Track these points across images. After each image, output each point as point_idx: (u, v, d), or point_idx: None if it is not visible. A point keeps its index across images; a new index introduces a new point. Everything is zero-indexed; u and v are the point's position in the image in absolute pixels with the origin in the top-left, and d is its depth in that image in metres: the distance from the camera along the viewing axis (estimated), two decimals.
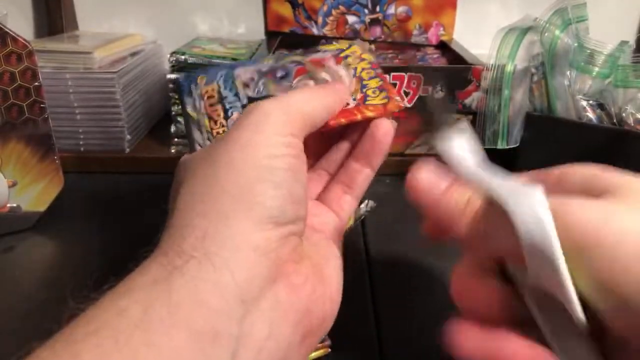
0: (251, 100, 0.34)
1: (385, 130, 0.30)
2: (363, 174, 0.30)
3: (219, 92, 0.34)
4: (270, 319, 0.21)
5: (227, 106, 0.34)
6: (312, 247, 0.26)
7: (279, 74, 0.35)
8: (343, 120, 0.29)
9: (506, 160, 0.43)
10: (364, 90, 0.32)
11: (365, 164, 0.30)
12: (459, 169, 0.25)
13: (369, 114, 0.30)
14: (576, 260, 0.20)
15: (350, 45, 0.37)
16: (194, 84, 0.34)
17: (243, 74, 0.35)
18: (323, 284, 0.24)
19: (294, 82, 0.34)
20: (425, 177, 0.25)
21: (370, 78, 0.33)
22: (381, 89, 0.32)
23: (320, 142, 0.31)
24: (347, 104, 0.31)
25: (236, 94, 0.34)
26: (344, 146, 0.31)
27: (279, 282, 0.22)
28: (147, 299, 0.19)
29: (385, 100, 0.31)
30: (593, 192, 0.22)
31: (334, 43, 0.37)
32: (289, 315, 0.22)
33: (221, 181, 0.22)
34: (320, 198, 0.30)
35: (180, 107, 0.59)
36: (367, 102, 0.31)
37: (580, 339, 0.21)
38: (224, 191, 0.22)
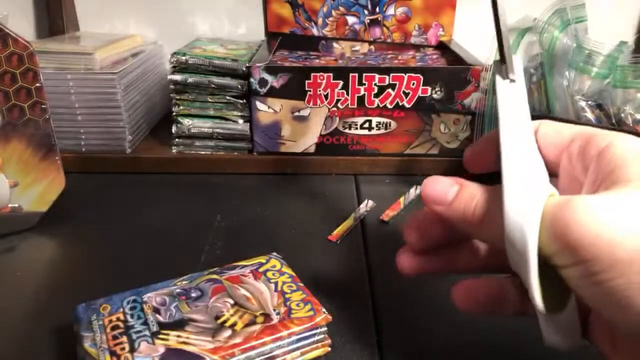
0: (163, 326, 0.31)
1: None
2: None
3: (125, 321, 0.31)
4: None
5: (134, 337, 0.30)
6: None
7: (194, 294, 0.34)
8: (268, 340, 0.30)
9: None
10: (287, 303, 0.32)
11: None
12: (502, 120, 0.25)
13: (295, 328, 0.30)
14: (572, 265, 0.21)
15: (268, 259, 0.37)
16: (95, 314, 0.32)
17: (153, 298, 0.33)
18: None
19: (211, 301, 0.33)
20: (434, 187, 0.27)
21: (292, 291, 0.34)
22: (305, 301, 0.33)
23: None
24: (271, 319, 0.31)
25: (145, 322, 0.31)
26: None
27: None
28: None
29: (311, 313, 0.32)
30: (613, 180, 0.22)
31: (251, 258, 0.37)
32: None
33: None
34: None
35: (180, 107, 0.60)
36: (292, 316, 0.31)
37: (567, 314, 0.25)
38: None
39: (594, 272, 0.20)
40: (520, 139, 0.25)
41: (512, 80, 0.26)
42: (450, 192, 0.26)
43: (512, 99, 0.26)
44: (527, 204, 0.22)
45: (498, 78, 0.27)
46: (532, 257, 0.22)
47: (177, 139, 0.61)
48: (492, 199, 0.24)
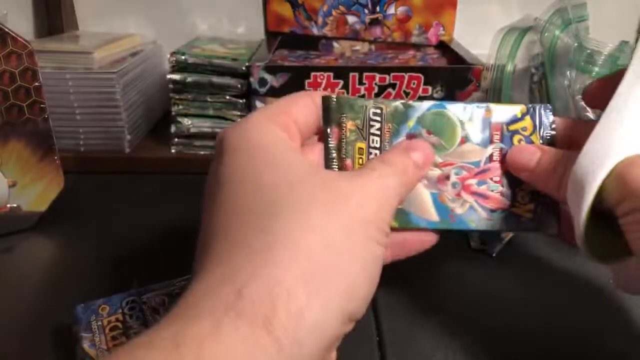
0: None
1: (427, 243, 0.29)
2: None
3: (124, 322, 0.31)
4: None
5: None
6: None
7: None
8: None
9: None
10: None
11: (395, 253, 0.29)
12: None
13: None
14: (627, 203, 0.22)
15: None
16: (94, 315, 0.32)
17: (152, 298, 0.33)
18: None
19: None
20: (521, 154, 0.28)
21: None
22: None
23: None
24: None
25: (144, 322, 0.31)
26: None
27: None
28: None
29: None
30: None
31: None
32: None
33: (305, 248, 0.20)
34: None
35: (180, 107, 0.59)
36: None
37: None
38: (309, 263, 0.20)
39: None
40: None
41: None
42: (533, 158, 0.27)
43: None
44: (608, 145, 0.23)
45: None
46: (589, 195, 0.23)
47: (176, 139, 0.61)
48: (570, 162, 0.25)
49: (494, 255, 0.44)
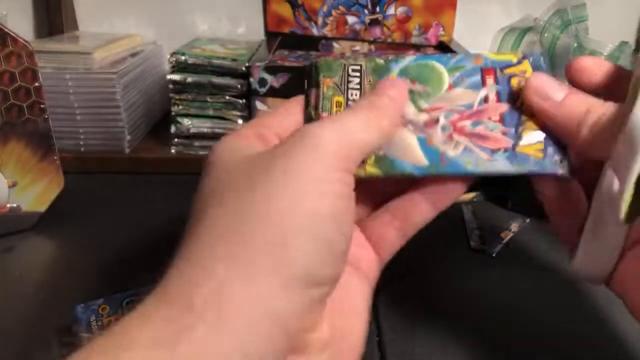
0: None
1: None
2: (422, 212, 0.26)
3: None
4: None
5: None
6: (338, 299, 0.22)
7: None
8: None
9: None
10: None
11: (428, 201, 0.26)
12: None
13: None
14: None
15: None
16: (94, 315, 0.31)
17: None
18: (342, 352, 0.22)
19: None
20: (547, 82, 0.25)
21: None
22: None
23: None
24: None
25: None
26: None
27: (295, 355, 0.20)
28: None
29: None
30: None
31: None
32: None
33: (252, 220, 0.19)
34: (361, 224, 0.26)
35: (180, 107, 0.59)
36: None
37: (614, 231, 0.24)
38: (253, 235, 0.19)
39: None
40: None
41: None
42: (559, 91, 0.24)
43: None
44: None
45: None
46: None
47: (176, 139, 0.61)
48: (609, 107, 0.23)
49: (494, 255, 0.44)
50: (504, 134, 0.25)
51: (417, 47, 0.71)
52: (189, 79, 0.58)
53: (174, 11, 0.78)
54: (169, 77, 0.59)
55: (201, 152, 0.61)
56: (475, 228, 0.48)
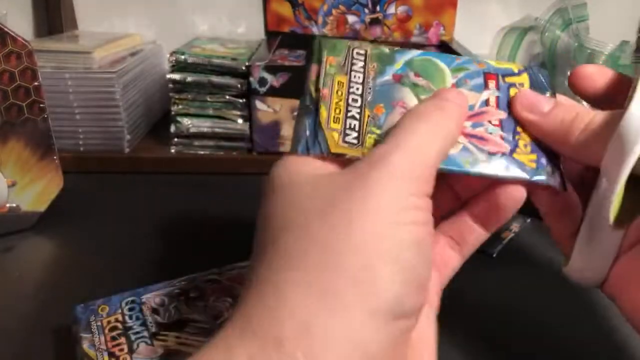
0: (162, 327, 0.30)
1: (517, 199, 0.25)
2: (475, 234, 0.26)
3: (124, 322, 0.31)
4: None
5: (133, 338, 0.30)
6: (415, 330, 0.21)
7: (193, 294, 0.33)
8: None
9: None
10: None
11: (481, 223, 0.26)
12: None
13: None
14: None
15: None
16: (93, 315, 0.31)
17: (152, 298, 0.33)
18: None
19: (210, 301, 0.32)
20: (534, 96, 0.25)
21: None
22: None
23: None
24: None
25: (144, 323, 0.31)
26: (458, 195, 0.26)
27: None
28: None
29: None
30: None
31: None
32: None
33: (336, 249, 0.18)
34: None
35: (179, 107, 0.59)
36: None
37: (609, 234, 0.24)
38: (338, 265, 0.18)
39: None
40: None
41: None
42: (546, 103, 0.25)
43: None
44: None
45: None
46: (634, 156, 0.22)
47: (176, 139, 0.61)
48: (597, 114, 0.23)
49: (494, 255, 0.44)
50: (502, 139, 0.25)
51: (417, 47, 0.71)
52: (189, 79, 0.58)
53: (173, 11, 0.78)
54: (168, 76, 0.59)
55: (201, 152, 0.61)
56: None
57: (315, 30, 0.71)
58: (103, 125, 0.60)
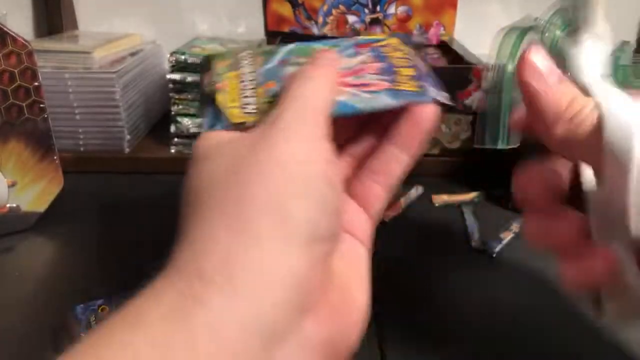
0: None
1: (428, 112, 0.25)
2: (399, 162, 0.26)
3: None
4: (296, 358, 0.19)
5: None
6: (341, 260, 0.23)
7: None
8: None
9: (506, 160, 0.43)
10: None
11: (402, 149, 0.26)
12: (578, 76, 0.24)
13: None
14: None
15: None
16: (93, 315, 0.32)
17: None
18: (350, 310, 0.22)
19: None
20: (542, 63, 0.24)
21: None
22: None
23: (344, 122, 0.26)
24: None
25: None
26: (374, 127, 0.27)
27: (307, 315, 0.20)
28: (164, 339, 0.17)
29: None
30: None
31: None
32: (316, 352, 0.20)
33: (248, 189, 0.20)
34: (346, 190, 0.26)
35: (179, 107, 0.59)
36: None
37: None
38: (252, 202, 0.19)
39: None
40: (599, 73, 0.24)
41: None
42: (554, 75, 0.24)
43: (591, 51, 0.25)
44: (631, 108, 0.21)
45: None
46: (636, 155, 0.20)
47: (176, 139, 0.61)
48: (586, 108, 0.23)
49: (494, 255, 0.44)
50: (384, 80, 0.27)
51: (417, 47, 0.71)
52: (189, 79, 0.58)
53: (173, 11, 0.78)
54: (168, 76, 0.59)
55: None
56: (475, 228, 0.48)
57: (315, 30, 0.71)
58: (103, 126, 0.60)
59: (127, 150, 0.61)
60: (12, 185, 0.46)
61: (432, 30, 0.70)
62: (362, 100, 0.26)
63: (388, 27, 0.70)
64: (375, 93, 0.26)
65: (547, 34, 0.61)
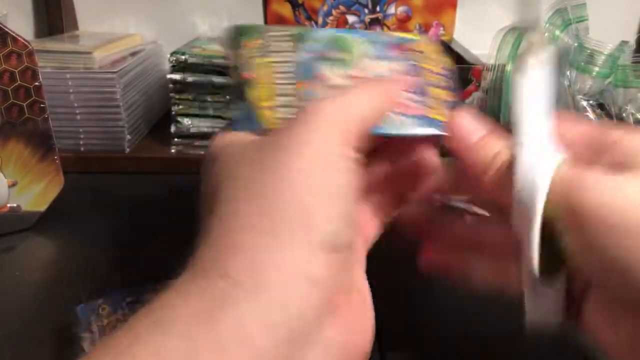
0: None
1: (430, 167, 0.27)
2: (403, 200, 0.28)
3: (125, 322, 0.31)
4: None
5: None
6: (357, 270, 0.24)
7: None
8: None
9: None
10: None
11: (405, 187, 0.28)
12: (518, 107, 0.25)
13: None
14: (575, 231, 0.21)
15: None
16: (94, 315, 0.31)
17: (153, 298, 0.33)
18: (366, 315, 0.23)
19: None
20: (464, 123, 0.25)
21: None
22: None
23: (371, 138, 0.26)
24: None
25: None
26: (397, 145, 0.28)
27: (330, 318, 0.20)
28: (189, 336, 0.17)
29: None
30: (630, 165, 0.22)
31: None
32: (337, 355, 0.20)
33: (272, 193, 0.20)
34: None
35: (180, 107, 0.59)
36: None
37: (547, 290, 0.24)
38: (277, 206, 0.19)
39: (600, 236, 0.20)
40: (535, 110, 0.24)
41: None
42: (476, 134, 0.25)
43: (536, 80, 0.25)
44: (540, 160, 0.22)
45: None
46: (538, 212, 0.21)
47: (176, 139, 0.61)
48: (506, 158, 0.24)
49: None
50: (416, 102, 0.27)
51: None
52: (189, 79, 0.58)
53: (174, 11, 0.78)
54: (169, 76, 0.59)
55: (202, 152, 0.61)
56: None
57: None
58: (103, 125, 0.60)
59: (127, 150, 0.61)
60: (12, 185, 0.46)
61: (431, 31, 0.70)
62: (391, 123, 0.26)
63: (388, 27, 0.71)
64: (406, 117, 0.26)
65: (546, 34, 0.61)
